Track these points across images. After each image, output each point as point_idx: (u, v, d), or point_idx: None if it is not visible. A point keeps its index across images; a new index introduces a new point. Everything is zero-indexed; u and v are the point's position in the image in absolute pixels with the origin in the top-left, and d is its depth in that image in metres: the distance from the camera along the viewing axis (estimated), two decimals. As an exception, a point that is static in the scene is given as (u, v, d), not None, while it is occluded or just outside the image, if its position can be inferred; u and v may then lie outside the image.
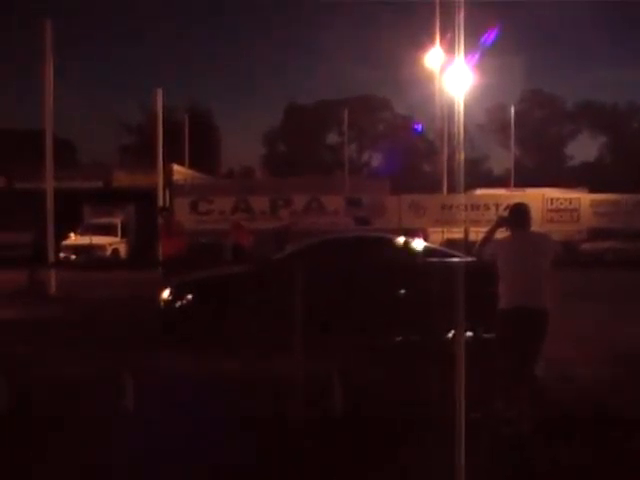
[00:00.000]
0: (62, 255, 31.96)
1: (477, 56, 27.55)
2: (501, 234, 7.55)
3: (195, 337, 11.56)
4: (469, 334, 10.14)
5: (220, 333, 11.55)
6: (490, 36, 24.91)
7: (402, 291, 11.97)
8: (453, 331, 11.11)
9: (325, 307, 11.15)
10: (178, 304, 12.23)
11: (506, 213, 7.69)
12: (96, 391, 8.57)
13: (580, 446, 6.56)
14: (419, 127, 68.68)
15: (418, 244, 13.47)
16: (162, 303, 12.37)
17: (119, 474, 6.02)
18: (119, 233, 36.90)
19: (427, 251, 12.98)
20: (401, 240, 13.28)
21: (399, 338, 12.00)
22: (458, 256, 12.37)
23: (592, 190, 40.50)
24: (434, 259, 12.37)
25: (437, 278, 11.45)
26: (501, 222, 7.56)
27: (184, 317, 12.14)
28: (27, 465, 6.26)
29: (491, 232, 7.53)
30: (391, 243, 13.35)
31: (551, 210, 36.14)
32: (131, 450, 6.39)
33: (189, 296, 12.26)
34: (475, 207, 35.28)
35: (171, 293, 12.36)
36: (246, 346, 10.79)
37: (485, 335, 10.14)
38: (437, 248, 14.45)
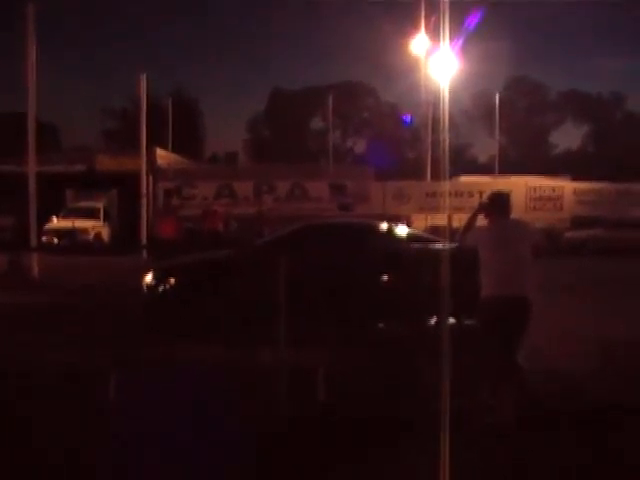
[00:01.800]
0: (44, 239, 31.78)
1: (461, 41, 27.50)
2: (482, 221, 7.55)
3: (178, 322, 11.51)
4: (451, 321, 10.13)
5: (203, 319, 11.49)
6: (473, 20, 24.84)
7: (384, 277, 11.94)
8: (434, 318, 11.27)
9: (306, 294, 11.10)
10: (161, 288, 12.18)
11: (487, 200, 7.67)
12: (78, 381, 8.50)
13: (566, 437, 6.58)
14: (408, 118, 68.26)
15: (402, 230, 13.44)
16: (145, 287, 12.32)
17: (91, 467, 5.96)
18: (102, 217, 36.71)
19: (410, 237, 12.97)
20: (384, 226, 13.26)
21: (380, 325, 11.98)
22: (441, 242, 12.41)
23: (575, 179, 40.67)
24: (416, 245, 12.41)
25: (418, 264, 11.56)
26: (482, 208, 7.55)
27: (167, 302, 12.09)
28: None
29: (472, 219, 7.52)
30: (375, 229, 13.33)
31: (534, 198, 36.31)
32: (108, 443, 6.33)
33: (172, 280, 12.22)
34: (459, 194, 35.37)
35: (154, 277, 12.31)
36: (229, 332, 10.77)
37: (467, 322, 10.14)
38: (420, 234, 14.42)
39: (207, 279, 12.06)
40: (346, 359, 9.59)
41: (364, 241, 12.63)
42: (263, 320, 10.67)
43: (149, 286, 12.28)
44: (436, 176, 36.43)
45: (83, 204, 36.51)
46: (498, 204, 7.39)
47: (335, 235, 12.78)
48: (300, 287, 10.66)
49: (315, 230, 13.35)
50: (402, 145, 72.43)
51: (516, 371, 7.04)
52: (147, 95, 32.90)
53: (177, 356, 9.86)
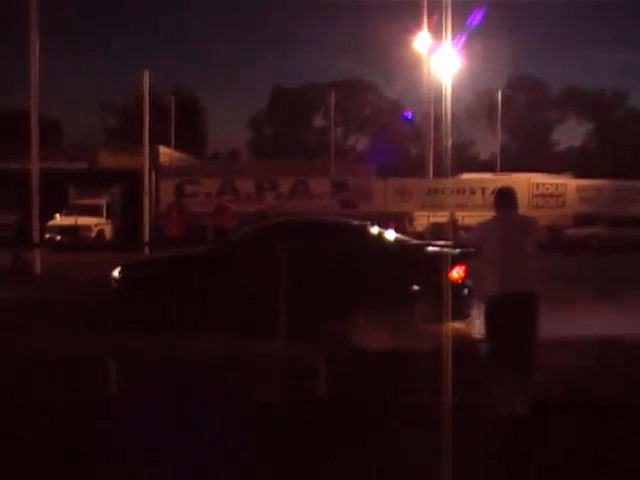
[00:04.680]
0: (47, 236, 31.84)
1: (463, 38, 27.49)
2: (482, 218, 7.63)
3: (146, 317, 11.55)
4: None
5: (171, 313, 11.54)
6: (476, 17, 24.84)
7: (350, 275, 11.62)
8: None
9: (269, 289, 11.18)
10: (129, 284, 12.29)
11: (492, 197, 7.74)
12: (76, 374, 8.54)
13: (576, 430, 6.59)
14: (409, 115, 68.18)
15: (379, 232, 13.23)
16: (113, 282, 12.42)
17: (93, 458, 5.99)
18: (104, 214, 36.75)
19: (391, 241, 12.95)
20: (360, 226, 13.25)
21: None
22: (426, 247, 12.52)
23: (577, 176, 40.61)
24: (388, 244, 12.50)
25: (388, 263, 11.66)
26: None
27: (131, 296, 12.19)
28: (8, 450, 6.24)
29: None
30: (347, 229, 13.30)
31: (537, 195, 36.26)
32: (113, 434, 6.36)
33: (140, 276, 12.42)
34: (461, 191, 35.40)
35: (121, 272, 12.42)
36: (192, 327, 10.94)
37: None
38: (404, 239, 14.07)
39: (170, 275, 12.17)
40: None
41: (335, 239, 12.62)
42: (227, 314, 10.96)
43: (116, 280, 12.41)
44: (438, 173, 36.43)
45: (86, 201, 36.54)
46: (505, 199, 7.39)
47: (301, 233, 12.70)
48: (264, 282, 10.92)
49: (281, 227, 13.43)
50: (404, 142, 72.30)
51: (532, 368, 6.99)
52: (149, 92, 32.90)
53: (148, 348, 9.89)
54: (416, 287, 11.65)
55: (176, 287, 11.87)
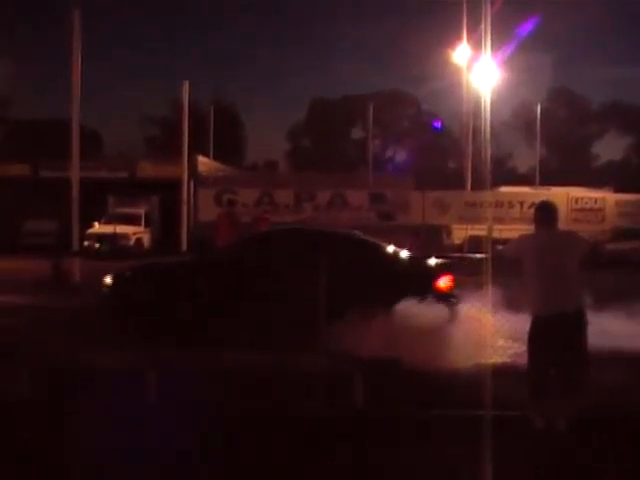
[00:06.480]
0: (86, 243, 32.12)
1: (511, 47, 27.28)
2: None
3: (135, 323, 11.55)
4: None
5: (161, 320, 11.46)
6: (527, 27, 24.70)
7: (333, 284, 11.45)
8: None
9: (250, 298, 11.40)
10: (119, 290, 12.33)
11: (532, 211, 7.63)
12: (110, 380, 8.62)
13: (613, 446, 6.53)
14: (439, 124, 68.34)
15: (382, 246, 12.73)
16: (104, 288, 12.47)
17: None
18: (143, 223, 37.04)
19: (395, 257, 12.54)
20: (357, 237, 13.09)
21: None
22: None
23: (617, 190, 40.22)
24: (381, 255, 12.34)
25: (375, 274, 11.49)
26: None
27: (124, 303, 12.14)
28: (44, 450, 6.31)
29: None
30: (340, 238, 12.96)
31: (576, 209, 35.99)
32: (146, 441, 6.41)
33: (130, 282, 12.50)
34: (499, 205, 35.21)
35: (113, 279, 12.46)
36: (180, 334, 11.00)
37: None
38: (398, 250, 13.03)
39: (161, 281, 12.22)
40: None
41: (326, 249, 11.86)
42: (216, 321, 10.98)
43: (108, 286, 12.45)
44: (476, 186, 36.30)
45: (125, 210, 36.91)
46: (545, 214, 7.21)
47: (302, 242, 12.45)
48: (245, 290, 11.43)
49: (271, 237, 13.43)
50: (441, 153, 72.13)
51: (576, 385, 6.84)
52: (189, 103, 33.19)
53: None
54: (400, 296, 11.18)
55: (167, 294, 11.84)
